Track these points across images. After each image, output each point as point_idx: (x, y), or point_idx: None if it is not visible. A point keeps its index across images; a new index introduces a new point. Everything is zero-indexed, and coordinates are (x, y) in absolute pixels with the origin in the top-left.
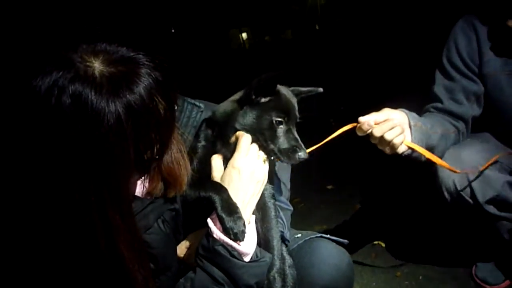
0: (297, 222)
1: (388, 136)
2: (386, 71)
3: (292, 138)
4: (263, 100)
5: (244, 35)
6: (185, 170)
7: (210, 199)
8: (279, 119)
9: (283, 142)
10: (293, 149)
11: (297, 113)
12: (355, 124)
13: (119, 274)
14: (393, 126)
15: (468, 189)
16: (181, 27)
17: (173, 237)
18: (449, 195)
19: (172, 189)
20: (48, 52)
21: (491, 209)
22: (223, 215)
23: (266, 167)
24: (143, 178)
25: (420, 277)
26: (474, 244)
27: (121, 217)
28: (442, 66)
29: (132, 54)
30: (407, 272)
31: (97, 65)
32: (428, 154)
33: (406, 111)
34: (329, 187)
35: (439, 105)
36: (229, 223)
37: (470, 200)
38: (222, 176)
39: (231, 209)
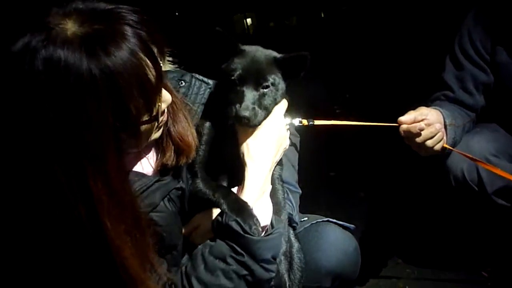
0: (299, 207)
1: (430, 143)
2: (391, 60)
3: (240, 96)
4: (226, 63)
5: (249, 20)
6: (192, 136)
7: (217, 204)
8: (231, 78)
9: (230, 101)
10: (233, 106)
11: (262, 74)
12: (395, 124)
13: (104, 248)
14: (436, 132)
15: (476, 179)
16: (185, 10)
17: (179, 216)
18: (456, 183)
19: (183, 156)
20: (21, 17)
21: (499, 200)
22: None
23: (288, 133)
24: (148, 156)
25: (422, 267)
26: (477, 236)
27: (105, 187)
28: (453, 54)
29: (110, 7)
30: (409, 260)
31: (70, 26)
32: (471, 158)
33: (440, 109)
34: (332, 174)
35: (450, 94)
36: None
37: (478, 190)
38: (256, 134)
39: (240, 209)
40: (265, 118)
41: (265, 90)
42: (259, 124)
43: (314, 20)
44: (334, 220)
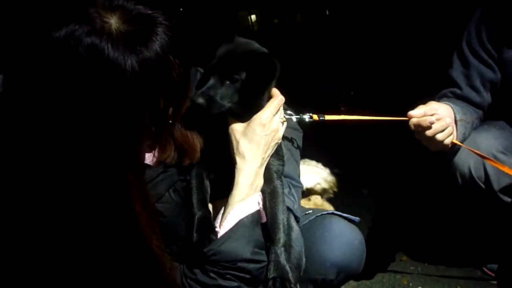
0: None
1: (440, 137)
2: (397, 58)
3: (204, 84)
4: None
5: (253, 17)
6: (197, 139)
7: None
8: (207, 66)
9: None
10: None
11: (233, 67)
12: (406, 118)
13: (135, 239)
14: (446, 126)
15: (483, 176)
16: (189, 6)
17: (184, 207)
18: (463, 180)
19: (187, 157)
20: (65, 6)
21: (506, 197)
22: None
23: (283, 129)
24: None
25: (426, 263)
26: (481, 233)
27: (135, 178)
28: (460, 51)
29: (149, 12)
30: (413, 257)
31: (114, 21)
32: (479, 155)
33: (451, 104)
34: (336, 170)
35: (457, 91)
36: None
37: (484, 187)
38: (245, 130)
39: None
40: (227, 108)
41: (231, 83)
42: (216, 113)
43: (318, 17)
44: (339, 213)
